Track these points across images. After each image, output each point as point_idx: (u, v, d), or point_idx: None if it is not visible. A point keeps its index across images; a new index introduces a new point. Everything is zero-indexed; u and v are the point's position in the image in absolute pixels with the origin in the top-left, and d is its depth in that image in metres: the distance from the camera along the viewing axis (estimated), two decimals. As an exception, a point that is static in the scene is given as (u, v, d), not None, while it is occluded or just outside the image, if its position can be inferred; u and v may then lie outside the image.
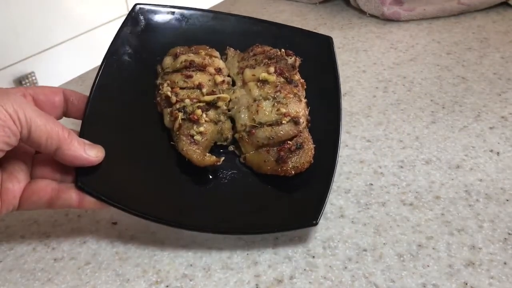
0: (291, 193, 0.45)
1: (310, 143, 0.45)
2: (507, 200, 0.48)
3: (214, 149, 0.48)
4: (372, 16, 0.92)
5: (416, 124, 0.60)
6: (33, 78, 1.59)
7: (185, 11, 0.55)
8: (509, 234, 0.44)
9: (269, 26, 0.56)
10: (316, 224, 0.41)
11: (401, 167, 0.53)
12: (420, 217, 0.46)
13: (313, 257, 0.43)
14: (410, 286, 0.40)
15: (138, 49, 0.51)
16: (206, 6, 1.02)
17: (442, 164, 0.53)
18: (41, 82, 1.59)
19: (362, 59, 0.77)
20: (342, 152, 0.55)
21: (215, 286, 0.41)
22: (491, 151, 0.55)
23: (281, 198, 0.45)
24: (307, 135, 0.46)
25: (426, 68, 0.73)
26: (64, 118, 0.47)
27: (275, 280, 0.41)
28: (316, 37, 0.56)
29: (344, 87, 0.69)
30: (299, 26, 0.53)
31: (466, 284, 0.40)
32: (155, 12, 0.54)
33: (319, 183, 0.44)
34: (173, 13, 0.54)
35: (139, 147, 0.46)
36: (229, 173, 0.46)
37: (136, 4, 0.53)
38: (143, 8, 0.53)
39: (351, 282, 0.40)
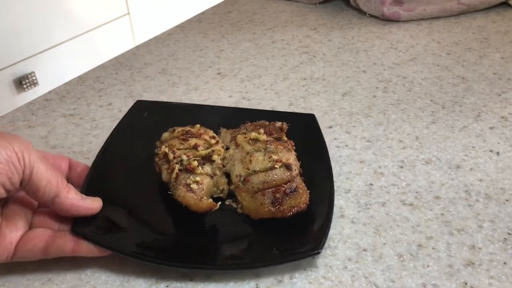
0: (289, 230, 0.44)
1: (304, 188, 0.45)
2: (507, 200, 0.48)
3: None
4: (372, 16, 0.92)
5: (416, 124, 0.60)
6: (33, 78, 1.59)
7: (180, 105, 0.63)
8: (509, 234, 0.44)
9: (260, 113, 0.60)
10: (319, 253, 0.41)
11: (401, 167, 0.53)
12: (420, 217, 0.46)
13: (313, 257, 0.43)
14: (410, 286, 0.40)
15: (139, 133, 0.56)
16: (207, 6, 1.02)
17: (442, 164, 0.53)
18: (41, 82, 1.60)
19: (362, 59, 0.77)
20: (342, 152, 0.56)
21: (215, 286, 0.41)
22: (491, 151, 0.55)
23: (280, 234, 0.44)
24: (300, 181, 0.46)
25: (426, 68, 0.73)
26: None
27: (275, 280, 0.41)
28: (300, 116, 0.59)
29: (344, 87, 0.69)
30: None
31: (466, 284, 0.40)
32: (154, 105, 0.61)
33: (317, 220, 0.44)
34: (171, 106, 0.62)
35: (137, 201, 0.48)
36: (227, 221, 0.46)
37: (137, 101, 0.61)
38: (143, 103, 0.61)
39: (351, 282, 0.40)
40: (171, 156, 0.47)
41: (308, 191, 0.45)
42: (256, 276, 0.41)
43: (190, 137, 0.50)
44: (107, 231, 0.43)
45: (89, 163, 0.56)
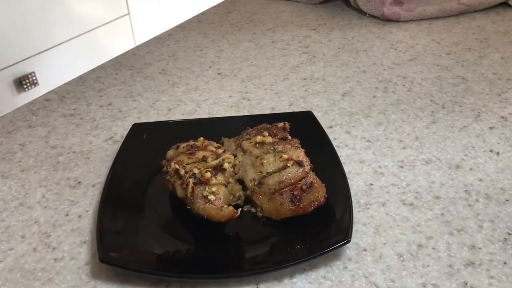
0: (312, 225, 0.45)
1: (319, 182, 0.46)
2: (507, 200, 0.48)
3: None
4: (372, 16, 0.92)
5: (416, 124, 0.60)
6: (33, 78, 1.59)
7: (177, 122, 0.62)
8: (508, 234, 0.44)
9: (258, 117, 0.60)
10: (349, 241, 0.41)
11: (401, 167, 0.53)
12: (420, 217, 0.47)
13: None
14: (410, 286, 0.40)
15: (142, 156, 0.55)
16: (207, 6, 1.02)
17: (442, 164, 0.53)
18: (41, 82, 1.60)
19: (362, 59, 0.77)
20: (342, 152, 0.56)
21: (216, 286, 0.41)
22: (491, 151, 0.55)
23: (305, 231, 0.45)
24: (314, 176, 0.47)
25: (426, 68, 0.73)
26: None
27: (275, 280, 0.41)
28: (298, 115, 0.60)
29: (344, 87, 0.69)
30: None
31: (466, 284, 0.40)
32: (151, 126, 0.61)
33: (337, 211, 0.45)
34: (168, 124, 0.61)
35: (155, 221, 0.47)
36: (249, 226, 0.46)
37: (134, 124, 0.60)
38: (139, 125, 0.60)
39: (351, 282, 0.41)
40: (182, 171, 0.47)
41: (324, 184, 0.46)
42: (257, 277, 0.41)
43: (196, 150, 0.50)
44: (133, 255, 0.43)
45: (89, 163, 0.56)
